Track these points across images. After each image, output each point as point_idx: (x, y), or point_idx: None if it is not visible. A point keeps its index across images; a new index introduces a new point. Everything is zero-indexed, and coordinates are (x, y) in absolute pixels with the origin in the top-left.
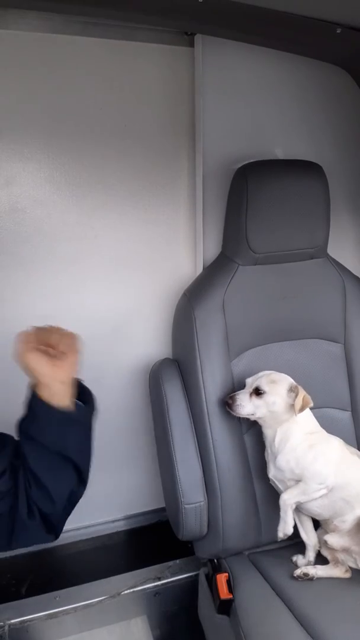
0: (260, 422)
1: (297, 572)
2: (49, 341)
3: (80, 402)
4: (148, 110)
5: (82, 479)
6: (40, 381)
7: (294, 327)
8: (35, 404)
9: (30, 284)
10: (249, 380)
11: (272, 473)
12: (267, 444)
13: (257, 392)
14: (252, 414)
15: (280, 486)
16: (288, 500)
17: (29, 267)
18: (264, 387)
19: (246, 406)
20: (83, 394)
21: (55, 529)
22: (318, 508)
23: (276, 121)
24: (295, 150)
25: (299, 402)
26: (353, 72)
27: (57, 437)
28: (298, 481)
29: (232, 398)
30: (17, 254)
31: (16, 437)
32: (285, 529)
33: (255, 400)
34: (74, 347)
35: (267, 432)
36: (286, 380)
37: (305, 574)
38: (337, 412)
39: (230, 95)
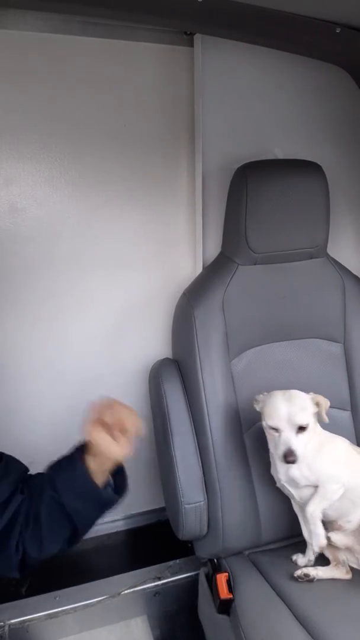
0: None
1: (298, 572)
2: (114, 418)
3: (112, 483)
4: (148, 110)
5: (74, 541)
6: (95, 452)
7: (294, 327)
8: (77, 466)
9: (30, 284)
10: (281, 413)
11: (284, 480)
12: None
13: (301, 429)
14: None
15: (292, 491)
16: (314, 512)
17: (29, 267)
18: (304, 420)
19: (300, 448)
20: (119, 476)
21: (25, 570)
22: (328, 509)
23: (276, 121)
24: (295, 150)
25: (324, 410)
26: (353, 72)
27: (77, 503)
28: (314, 486)
29: (290, 452)
30: (17, 254)
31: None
32: (319, 541)
33: (302, 437)
34: (134, 428)
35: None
36: (307, 399)
37: (306, 575)
38: (337, 411)
39: (230, 95)
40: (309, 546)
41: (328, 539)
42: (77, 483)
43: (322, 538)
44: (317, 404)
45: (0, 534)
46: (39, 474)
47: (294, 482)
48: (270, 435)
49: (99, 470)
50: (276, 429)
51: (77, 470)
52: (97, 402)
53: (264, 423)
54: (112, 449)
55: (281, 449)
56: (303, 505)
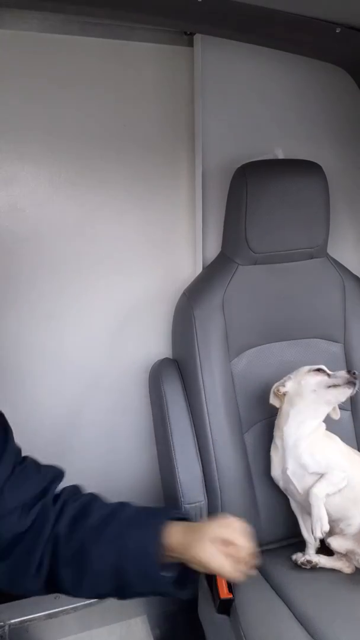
0: (297, 408)
1: (302, 559)
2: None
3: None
4: (147, 110)
5: (118, 596)
6: (194, 561)
7: (294, 326)
8: (153, 536)
9: (30, 284)
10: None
11: (291, 470)
12: (287, 439)
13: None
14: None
15: (296, 483)
16: (319, 493)
17: (29, 267)
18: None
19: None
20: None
21: (50, 590)
22: (329, 506)
23: (276, 121)
24: (295, 150)
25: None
26: (353, 72)
27: (135, 574)
28: (319, 474)
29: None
30: (17, 254)
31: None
32: (322, 525)
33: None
34: (246, 559)
35: (288, 422)
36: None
37: (309, 561)
38: None
39: (229, 95)
40: (308, 545)
41: (328, 545)
42: (145, 557)
43: (325, 522)
44: None
45: (20, 543)
46: (93, 501)
47: (300, 472)
48: (312, 384)
49: (171, 551)
50: (322, 370)
51: (151, 542)
52: (222, 521)
53: (304, 382)
54: (208, 552)
55: (341, 372)
56: (304, 502)
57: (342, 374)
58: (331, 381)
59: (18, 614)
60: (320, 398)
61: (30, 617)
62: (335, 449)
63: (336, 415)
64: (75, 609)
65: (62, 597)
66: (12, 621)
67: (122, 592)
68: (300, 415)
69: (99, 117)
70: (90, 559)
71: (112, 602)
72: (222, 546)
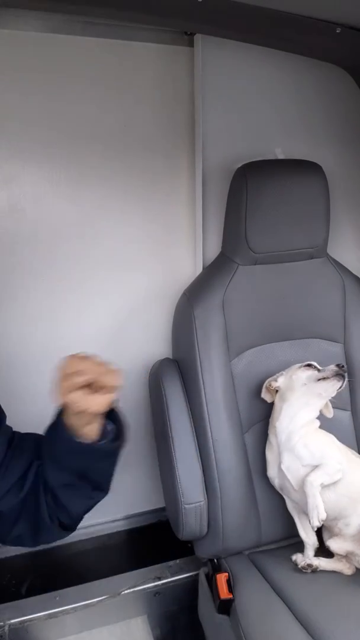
0: (289, 403)
1: (302, 563)
2: (88, 372)
3: (109, 427)
4: (148, 110)
5: (102, 490)
6: (71, 410)
7: (294, 327)
8: (61, 432)
9: (30, 284)
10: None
11: (285, 464)
12: (280, 434)
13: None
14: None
15: (292, 480)
16: (314, 481)
17: (29, 266)
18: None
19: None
20: (113, 418)
21: (71, 528)
22: (324, 504)
23: (276, 121)
24: (295, 150)
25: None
26: (353, 72)
27: (77, 464)
28: (313, 467)
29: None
30: (17, 254)
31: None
32: (319, 513)
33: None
34: (115, 382)
35: (280, 417)
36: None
37: (310, 565)
38: (336, 411)
39: (230, 95)
40: (307, 547)
41: (328, 547)
42: (63, 445)
43: (321, 510)
44: None
45: (27, 509)
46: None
47: (294, 466)
48: (303, 378)
49: (81, 425)
50: (312, 365)
51: (60, 434)
52: (65, 360)
53: (295, 377)
54: (90, 404)
55: (330, 366)
56: (300, 501)
57: (331, 367)
58: (321, 374)
59: (18, 614)
60: (311, 391)
61: (30, 617)
62: (330, 442)
63: (329, 414)
64: (75, 609)
65: (62, 597)
66: (12, 621)
67: (93, 481)
68: (291, 408)
69: (100, 117)
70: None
71: (112, 602)
72: (88, 389)
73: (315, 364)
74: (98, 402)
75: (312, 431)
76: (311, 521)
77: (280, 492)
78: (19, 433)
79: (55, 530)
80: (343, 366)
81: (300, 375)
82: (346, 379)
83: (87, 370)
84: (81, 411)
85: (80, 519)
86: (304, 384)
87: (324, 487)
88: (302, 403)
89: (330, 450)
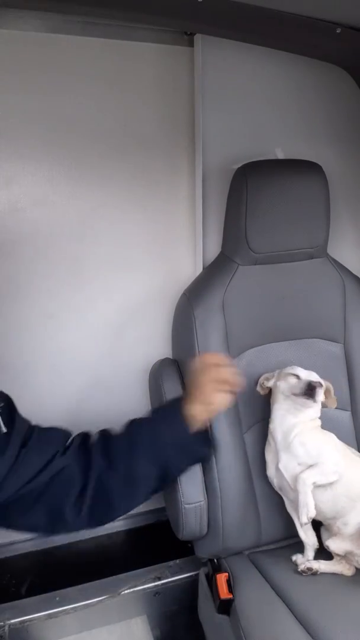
0: (278, 404)
1: (302, 567)
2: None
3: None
4: (148, 110)
5: (161, 487)
6: (206, 407)
7: (294, 327)
8: (177, 422)
9: (30, 284)
10: (309, 375)
11: (282, 463)
12: (275, 433)
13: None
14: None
15: (289, 479)
16: (307, 479)
17: (29, 266)
18: (318, 379)
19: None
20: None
21: (101, 523)
22: (321, 503)
23: (276, 121)
24: (295, 150)
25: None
26: (353, 72)
27: (173, 455)
28: (309, 466)
29: (317, 384)
30: (17, 254)
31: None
32: (308, 511)
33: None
34: (237, 383)
35: (272, 417)
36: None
37: (309, 569)
38: (336, 411)
39: (230, 95)
40: (306, 547)
41: (327, 547)
42: (180, 439)
43: (311, 508)
44: (326, 389)
45: (47, 498)
46: (124, 427)
47: (291, 465)
48: (284, 388)
49: (199, 419)
50: (296, 375)
51: (178, 426)
52: (209, 361)
53: (279, 384)
54: (220, 400)
55: (304, 382)
56: (296, 500)
57: (302, 385)
58: (294, 389)
59: (18, 614)
60: (293, 401)
61: (30, 617)
62: (329, 441)
63: (332, 404)
64: (75, 609)
65: (62, 597)
66: (12, 621)
67: (165, 479)
68: (280, 410)
69: (100, 117)
70: (138, 469)
71: (112, 602)
72: (218, 385)
73: (298, 372)
74: (227, 400)
75: (310, 429)
76: (300, 518)
77: (279, 492)
78: (39, 427)
79: (76, 519)
80: (314, 387)
81: (282, 385)
82: (317, 400)
83: (224, 372)
84: (208, 403)
85: (117, 515)
86: (285, 394)
87: (321, 486)
88: (290, 406)
89: (328, 450)
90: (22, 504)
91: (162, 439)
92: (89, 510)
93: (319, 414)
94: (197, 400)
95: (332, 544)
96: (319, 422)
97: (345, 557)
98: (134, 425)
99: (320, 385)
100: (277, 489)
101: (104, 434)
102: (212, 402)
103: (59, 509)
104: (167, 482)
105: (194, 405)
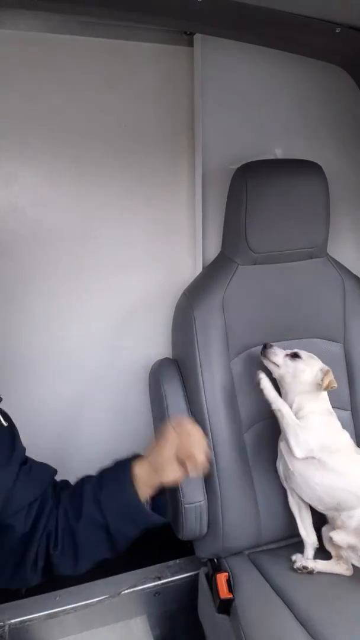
0: (281, 382)
1: (298, 564)
2: (182, 441)
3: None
4: (148, 110)
5: (110, 556)
6: (152, 468)
7: (294, 327)
8: (127, 484)
9: (30, 284)
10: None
11: (282, 443)
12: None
13: (294, 355)
14: (278, 367)
15: (287, 461)
16: (289, 417)
17: (29, 267)
18: (303, 355)
19: (279, 356)
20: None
21: (44, 577)
22: (319, 487)
23: (276, 121)
24: (295, 150)
25: (326, 381)
26: (353, 72)
27: (121, 523)
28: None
29: (270, 345)
30: (17, 254)
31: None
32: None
33: (288, 360)
34: (200, 460)
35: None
36: (320, 362)
37: (305, 567)
38: (336, 411)
39: (229, 95)
40: (306, 546)
41: (330, 538)
42: (124, 501)
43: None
44: (322, 371)
45: (21, 542)
46: (77, 483)
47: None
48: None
49: (147, 486)
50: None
51: (126, 488)
52: (175, 421)
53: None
54: (173, 471)
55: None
56: (299, 491)
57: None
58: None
59: (18, 614)
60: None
61: (30, 617)
62: (333, 434)
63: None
64: (75, 609)
65: (62, 597)
66: (12, 621)
67: (114, 546)
68: (285, 386)
69: (100, 117)
70: (80, 533)
71: (112, 602)
72: (181, 458)
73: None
74: (181, 477)
75: (317, 415)
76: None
77: (284, 484)
78: (32, 461)
79: (33, 574)
80: (266, 347)
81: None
82: (271, 359)
83: (193, 446)
84: (160, 471)
85: (80, 569)
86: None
87: (320, 470)
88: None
89: (316, 421)
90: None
91: (104, 503)
92: (42, 565)
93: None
94: (152, 468)
95: (336, 536)
96: (327, 410)
97: (344, 557)
98: (84, 482)
99: (271, 346)
100: (282, 480)
101: (68, 488)
102: (165, 477)
103: (25, 557)
104: (118, 547)
105: (144, 472)
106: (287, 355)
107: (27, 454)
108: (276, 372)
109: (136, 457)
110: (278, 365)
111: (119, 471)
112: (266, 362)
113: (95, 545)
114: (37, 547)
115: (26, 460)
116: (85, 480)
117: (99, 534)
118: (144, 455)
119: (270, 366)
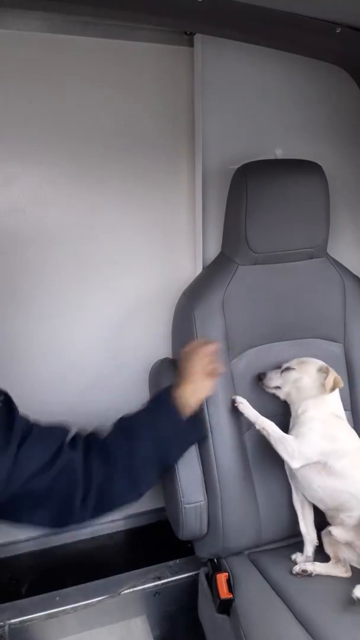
0: (289, 399)
1: (296, 568)
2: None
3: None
4: (148, 110)
5: (164, 468)
6: (196, 394)
7: (294, 327)
8: (170, 409)
9: (30, 284)
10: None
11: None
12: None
13: (286, 369)
14: (279, 387)
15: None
16: (273, 430)
17: (29, 267)
18: (293, 366)
19: (275, 380)
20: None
21: (110, 509)
22: (321, 490)
23: (276, 121)
24: (295, 150)
25: (329, 381)
26: (353, 72)
27: (170, 437)
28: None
29: (264, 374)
30: (17, 254)
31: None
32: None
33: (285, 377)
34: (217, 369)
35: (294, 410)
36: (316, 362)
37: (304, 571)
38: None
39: (229, 95)
40: (306, 544)
41: (329, 533)
42: (172, 425)
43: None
44: (322, 370)
45: (56, 493)
46: (121, 418)
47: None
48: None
49: (190, 405)
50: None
51: (171, 413)
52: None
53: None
54: (208, 386)
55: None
56: (303, 488)
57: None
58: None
59: (18, 614)
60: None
61: (30, 617)
62: (338, 440)
63: (340, 383)
64: (75, 609)
65: (62, 597)
66: (12, 621)
67: (164, 467)
68: (293, 400)
69: (100, 117)
70: (138, 462)
71: (112, 602)
72: (206, 373)
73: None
74: (213, 385)
75: (317, 421)
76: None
77: (290, 480)
78: (37, 424)
79: (83, 513)
80: (260, 377)
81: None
82: (268, 385)
83: (211, 360)
84: (194, 391)
85: (120, 507)
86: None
87: (320, 474)
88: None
89: (314, 437)
90: (30, 499)
91: (158, 430)
92: (95, 504)
93: (337, 407)
94: (188, 388)
95: (336, 530)
96: (337, 412)
97: (342, 560)
98: (128, 420)
99: (264, 374)
100: (289, 476)
101: (100, 432)
102: (201, 389)
103: (68, 504)
104: (166, 470)
105: (185, 393)
106: (281, 373)
107: None
108: (282, 394)
109: (169, 388)
110: (279, 387)
111: (163, 402)
112: (268, 390)
113: (150, 466)
114: (82, 487)
115: (31, 429)
116: (128, 416)
117: (152, 455)
118: (175, 384)
119: (273, 391)
